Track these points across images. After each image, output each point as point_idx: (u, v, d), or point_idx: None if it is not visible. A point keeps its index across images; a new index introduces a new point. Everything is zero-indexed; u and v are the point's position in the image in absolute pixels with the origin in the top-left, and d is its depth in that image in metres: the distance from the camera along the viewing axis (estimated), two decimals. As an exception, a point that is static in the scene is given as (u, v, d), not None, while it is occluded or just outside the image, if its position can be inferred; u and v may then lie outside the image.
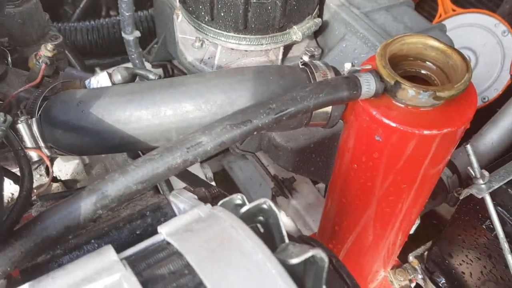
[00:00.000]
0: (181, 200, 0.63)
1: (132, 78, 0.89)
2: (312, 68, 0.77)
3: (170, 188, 1.13)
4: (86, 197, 0.59)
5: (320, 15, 1.22)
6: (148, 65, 1.62)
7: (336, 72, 0.78)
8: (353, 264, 1.07)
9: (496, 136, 1.34)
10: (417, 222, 1.22)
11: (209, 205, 0.56)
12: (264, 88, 0.75)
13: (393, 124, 0.72)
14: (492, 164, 1.02)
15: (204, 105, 0.73)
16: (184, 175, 0.97)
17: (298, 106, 0.67)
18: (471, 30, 1.70)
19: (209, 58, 1.16)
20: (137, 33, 1.48)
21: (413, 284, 1.26)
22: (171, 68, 1.73)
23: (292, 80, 0.77)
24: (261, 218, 0.56)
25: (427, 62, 0.78)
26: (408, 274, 1.24)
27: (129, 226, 0.63)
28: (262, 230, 0.58)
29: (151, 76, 0.88)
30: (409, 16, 1.22)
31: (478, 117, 1.58)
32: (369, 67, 0.73)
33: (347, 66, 0.74)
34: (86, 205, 0.59)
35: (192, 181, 0.94)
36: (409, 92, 0.70)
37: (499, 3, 1.76)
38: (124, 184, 0.60)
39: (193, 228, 0.52)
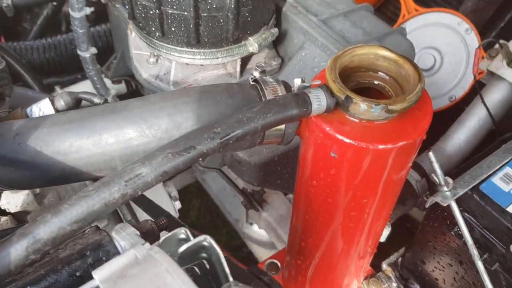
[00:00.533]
0: (123, 237, 0.59)
1: (76, 103, 0.85)
2: (262, 84, 0.74)
3: (132, 212, 1.08)
4: (16, 242, 0.55)
5: (277, 24, 1.19)
6: (107, 81, 1.58)
7: (287, 87, 0.75)
8: (323, 280, 1.04)
9: (463, 137, 1.34)
10: (388, 229, 1.20)
11: (147, 244, 0.52)
12: (211, 109, 0.71)
13: (347, 140, 0.69)
14: (457, 169, 1.00)
15: (148, 130, 0.69)
16: (140, 200, 0.93)
17: (245, 128, 0.64)
18: (435, 29, 1.70)
19: (164, 74, 1.12)
20: (94, 50, 1.43)
21: (387, 293, 1.23)
22: (134, 83, 1.69)
23: (242, 98, 0.73)
24: (204, 254, 0.52)
25: (380, 73, 0.75)
26: (382, 283, 1.21)
27: (68, 268, 0.59)
28: (208, 266, 0.54)
29: (96, 100, 0.84)
30: (368, 21, 1.20)
31: (446, 116, 1.58)
32: (318, 82, 0.70)
33: (297, 82, 0.71)
34: (16, 251, 0.54)
35: (147, 207, 0.90)
36: (361, 106, 0.67)
37: (462, 0, 1.76)
38: (57, 226, 0.55)
39: (127, 274, 0.48)
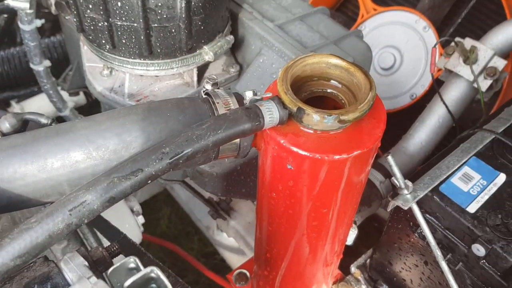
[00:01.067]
0: (71, 268, 0.56)
1: (23, 124, 0.82)
2: (213, 98, 0.72)
3: (92, 231, 1.05)
4: (-45, 282, 0.51)
5: (234, 31, 1.17)
6: (65, 94, 1.53)
7: (239, 99, 0.73)
8: (291, 288, 1.03)
9: (424, 135, 1.35)
10: (355, 232, 1.20)
11: (93, 279, 0.50)
12: (162, 126, 0.69)
13: (302, 152, 0.68)
14: (416, 170, 1.00)
15: (96, 152, 0.66)
16: (96, 221, 0.90)
17: (196, 146, 0.62)
18: (393, 28, 1.71)
19: (119, 86, 1.09)
20: (47, 63, 1.39)
21: (357, 296, 1.23)
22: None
23: (193, 113, 0.71)
24: (153, 285, 0.50)
25: (332, 81, 0.74)
26: (351, 286, 1.21)
27: (15, 304, 0.56)
28: (159, 295, 0.52)
29: (43, 120, 0.80)
30: (325, 24, 1.19)
31: (408, 115, 1.60)
32: (270, 94, 0.69)
33: (248, 95, 0.69)
34: (-44, 292, 0.51)
35: (103, 229, 0.87)
36: (314, 118, 0.66)
37: (420, -2, 1.77)
38: (-1, 262, 0.52)
39: (70, 312, 0.45)
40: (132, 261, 0.51)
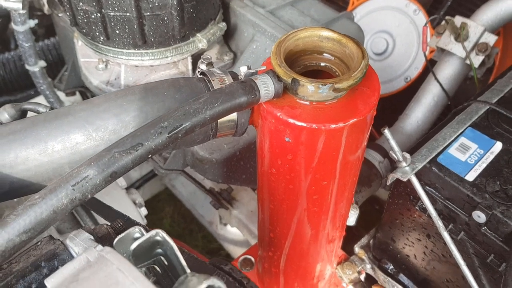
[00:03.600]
0: (77, 243, 0.57)
1: (22, 114, 0.82)
2: (209, 76, 0.73)
3: (94, 220, 1.06)
4: (-36, 257, 0.52)
5: (226, 19, 1.18)
6: (61, 94, 1.54)
7: (234, 77, 0.74)
8: (296, 268, 1.04)
9: (420, 115, 1.36)
10: (357, 212, 1.21)
11: (99, 246, 0.50)
12: (159, 105, 0.70)
13: (299, 123, 0.69)
14: (415, 144, 1.01)
15: (95, 133, 0.67)
16: (98, 207, 0.91)
17: (194, 120, 0.63)
18: (384, 13, 1.72)
19: (115, 79, 1.10)
20: (42, 63, 1.40)
21: (362, 276, 1.24)
22: (90, 93, 1.65)
23: (189, 92, 0.72)
24: (160, 250, 0.51)
25: (325, 54, 0.75)
26: (356, 266, 1.22)
27: (23, 282, 0.57)
28: (165, 261, 0.53)
29: (41, 109, 0.81)
30: (316, 8, 1.20)
31: (404, 97, 1.61)
32: (264, 68, 0.70)
33: (243, 70, 0.70)
34: (-38, 268, 0.52)
35: (107, 214, 0.88)
36: (309, 88, 0.67)
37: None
38: (5, 238, 0.53)
39: (79, 277, 0.46)
40: (137, 230, 0.52)
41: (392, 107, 1.62)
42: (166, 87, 0.71)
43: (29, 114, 0.86)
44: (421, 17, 1.66)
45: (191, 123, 0.62)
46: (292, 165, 0.76)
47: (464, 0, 1.69)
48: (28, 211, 0.54)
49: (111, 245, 0.59)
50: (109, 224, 0.63)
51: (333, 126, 0.69)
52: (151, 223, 2.37)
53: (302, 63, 0.76)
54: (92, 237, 0.57)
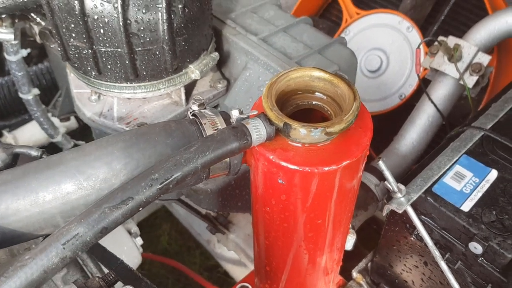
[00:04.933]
0: (68, 302, 0.57)
1: (13, 158, 0.82)
2: (200, 118, 0.73)
3: (91, 257, 1.05)
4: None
5: (219, 47, 1.18)
6: (55, 120, 1.53)
7: (226, 118, 0.74)
8: (293, 300, 1.03)
9: (415, 135, 1.36)
10: (353, 237, 1.20)
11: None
12: (151, 151, 0.69)
13: (292, 166, 0.68)
14: (408, 172, 1.01)
15: (86, 182, 0.67)
16: (92, 249, 0.90)
17: (185, 170, 0.62)
18: (377, 30, 1.73)
19: (108, 110, 1.09)
20: (36, 91, 1.39)
21: (361, 301, 1.24)
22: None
23: (181, 136, 0.71)
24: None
25: (317, 93, 0.75)
26: (354, 292, 1.21)
27: None
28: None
29: (33, 153, 0.81)
30: (308, 34, 1.20)
31: (398, 115, 1.61)
32: (255, 112, 0.69)
33: (235, 114, 0.70)
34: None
35: (101, 257, 0.87)
36: (301, 131, 0.67)
37: (402, -1, 1.79)
38: (-5, 302, 0.53)
39: None
40: (129, 290, 0.52)
41: (387, 124, 1.62)
42: (157, 132, 0.71)
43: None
44: (415, 34, 1.66)
45: (182, 173, 0.62)
46: (286, 205, 0.76)
47: (457, 14, 1.69)
48: (19, 273, 0.54)
49: (103, 300, 0.59)
50: (101, 277, 0.63)
51: (326, 168, 0.68)
52: (149, 241, 2.37)
53: (294, 102, 0.76)
54: (83, 295, 0.57)
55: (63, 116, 1.52)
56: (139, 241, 1.18)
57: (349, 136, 0.71)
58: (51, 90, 1.65)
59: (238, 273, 1.84)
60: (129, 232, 1.17)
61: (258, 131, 0.67)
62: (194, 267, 2.19)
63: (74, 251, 0.56)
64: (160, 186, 0.60)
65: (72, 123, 1.64)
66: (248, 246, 1.47)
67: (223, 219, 1.48)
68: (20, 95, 1.38)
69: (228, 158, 0.74)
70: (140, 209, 0.60)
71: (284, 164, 0.69)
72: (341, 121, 0.67)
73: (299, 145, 0.70)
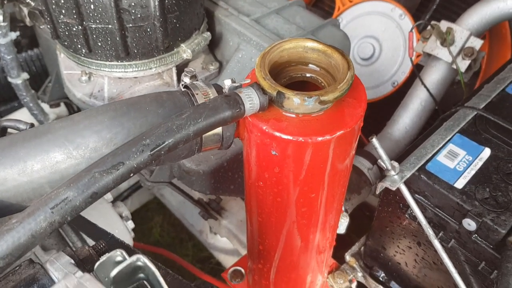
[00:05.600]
0: (57, 267, 0.55)
1: (1, 132, 0.80)
2: (192, 90, 0.72)
3: (80, 237, 1.03)
4: None
5: (211, 28, 1.17)
6: (45, 106, 1.51)
7: (219, 90, 0.73)
8: (286, 280, 1.02)
9: (408, 120, 1.36)
10: (347, 220, 1.20)
11: (79, 273, 0.49)
12: (142, 120, 0.68)
13: (285, 136, 0.68)
14: (401, 153, 1.00)
15: (76, 151, 0.65)
16: (82, 224, 0.89)
17: (177, 137, 0.61)
18: (370, 18, 1.72)
19: (99, 91, 1.08)
20: (25, 75, 1.37)
21: (354, 284, 1.23)
22: (75, 105, 1.63)
23: (172, 106, 0.70)
24: (142, 275, 0.49)
25: (310, 65, 0.74)
26: (347, 275, 1.21)
27: (2, 309, 0.55)
28: (149, 286, 0.51)
29: (21, 126, 0.79)
30: (301, 16, 1.19)
31: (391, 102, 1.60)
32: (249, 81, 0.68)
33: (227, 83, 0.69)
34: None
35: (90, 232, 0.86)
36: (294, 101, 0.66)
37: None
38: (-19, 265, 0.51)
39: (57, 307, 0.44)
40: (119, 254, 0.50)
41: (380, 111, 1.61)
42: (148, 102, 0.70)
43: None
44: (407, 22, 1.66)
45: (174, 139, 0.61)
46: (279, 178, 0.75)
47: (449, 3, 1.70)
48: (5, 237, 0.52)
49: (92, 268, 0.58)
50: (91, 246, 0.61)
51: (320, 138, 0.68)
52: (141, 233, 2.35)
53: (287, 75, 0.75)
54: (72, 261, 0.56)
55: (53, 102, 1.50)
56: (131, 224, 1.17)
57: (343, 107, 0.71)
58: (41, 77, 1.62)
59: (231, 263, 1.83)
60: (120, 216, 1.15)
61: (251, 100, 0.66)
62: (186, 259, 2.17)
63: (63, 216, 0.55)
64: (151, 152, 0.59)
65: (62, 110, 1.62)
66: (240, 232, 1.46)
67: (215, 204, 1.47)
68: (9, 79, 1.36)
69: (221, 130, 0.73)
70: (131, 175, 0.59)
71: (277, 134, 0.68)
72: (335, 89, 0.66)
73: (293, 115, 0.69)
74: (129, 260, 0.46)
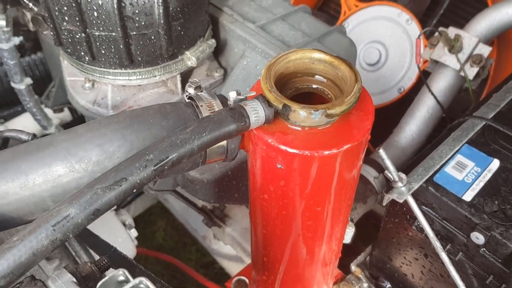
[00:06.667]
0: (58, 285, 0.54)
1: (3, 142, 0.79)
2: (197, 101, 0.70)
3: (84, 248, 1.02)
4: None
5: (215, 35, 1.16)
6: (49, 111, 1.50)
7: (223, 101, 0.71)
8: (291, 292, 1.01)
9: (415, 128, 1.34)
10: (352, 230, 1.18)
11: (79, 295, 0.47)
12: (145, 133, 0.67)
13: (291, 150, 0.66)
14: (410, 162, 0.99)
15: (78, 164, 0.64)
16: (85, 236, 0.88)
17: (180, 151, 0.60)
18: (376, 23, 1.71)
19: (102, 98, 1.07)
20: (28, 81, 1.37)
21: (359, 294, 1.21)
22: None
23: (177, 118, 0.69)
24: (144, 296, 0.48)
25: (317, 76, 0.73)
26: (352, 286, 1.19)
27: (2, 328, 0.54)
28: (151, 307, 0.50)
29: (24, 137, 0.78)
30: (307, 22, 1.18)
31: (398, 108, 1.59)
32: (254, 93, 0.67)
33: (232, 96, 0.68)
34: None
35: (93, 244, 0.85)
36: (301, 114, 0.65)
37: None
38: (-19, 285, 0.50)
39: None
40: (121, 274, 0.49)
41: (386, 118, 1.60)
42: (152, 114, 0.68)
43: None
44: (414, 27, 1.64)
45: (177, 154, 0.59)
46: (284, 191, 0.74)
47: (457, 7, 1.68)
48: (6, 255, 0.51)
49: (96, 284, 0.56)
50: (93, 262, 0.60)
51: (326, 152, 0.66)
52: (144, 237, 2.34)
53: (293, 86, 0.74)
54: (74, 279, 0.54)
55: (56, 107, 1.49)
56: (134, 233, 1.16)
57: (350, 120, 0.69)
58: (44, 81, 1.62)
59: (235, 269, 1.82)
60: (124, 224, 1.14)
61: (256, 113, 0.65)
62: (190, 263, 2.16)
63: (65, 233, 0.53)
64: (154, 168, 0.58)
65: (66, 114, 1.61)
66: (244, 240, 1.45)
67: (219, 212, 1.46)
68: (12, 84, 1.35)
69: (225, 142, 0.72)
70: (134, 191, 0.58)
71: (283, 147, 0.67)
72: (342, 103, 0.64)
73: (299, 128, 0.68)
74: (132, 283, 0.45)
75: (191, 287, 2.05)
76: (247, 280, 1.23)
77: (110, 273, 0.53)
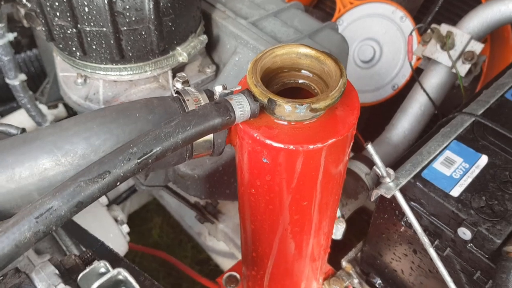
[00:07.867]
0: (41, 277, 0.55)
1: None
2: (183, 95, 0.71)
3: (79, 248, 1.03)
4: None
5: (208, 30, 1.16)
6: (43, 107, 1.51)
7: (210, 95, 0.72)
8: (281, 287, 1.01)
9: (407, 124, 1.35)
10: (343, 226, 1.19)
11: (61, 285, 0.48)
12: (131, 127, 0.67)
13: (276, 144, 0.67)
14: (399, 158, 0.99)
15: (64, 158, 0.65)
16: (72, 230, 0.88)
17: (165, 145, 0.60)
18: (371, 20, 1.71)
19: (94, 94, 1.07)
20: (23, 77, 1.37)
21: (350, 290, 1.22)
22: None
23: (163, 112, 0.70)
24: None
25: (303, 71, 0.73)
26: (343, 282, 1.20)
27: (-15, 319, 0.54)
28: (132, 298, 0.50)
29: (13, 131, 0.78)
30: (299, 19, 1.18)
31: (391, 105, 1.59)
32: (240, 88, 0.68)
33: (218, 90, 0.68)
34: None
35: (81, 238, 0.85)
36: (286, 108, 0.65)
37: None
38: (-36, 275, 0.51)
39: (37, 320, 0.44)
40: (103, 266, 0.50)
41: (380, 115, 1.60)
42: (138, 108, 0.69)
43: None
44: (408, 24, 1.64)
45: (162, 148, 0.60)
46: (271, 185, 0.74)
47: (451, 5, 1.68)
48: (-12, 246, 0.52)
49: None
50: (77, 255, 0.61)
51: (311, 146, 0.67)
52: (140, 233, 2.35)
53: (280, 81, 0.74)
54: (57, 271, 0.55)
55: (51, 103, 1.50)
56: (126, 228, 1.16)
57: (335, 115, 0.70)
58: (39, 78, 1.62)
59: (229, 265, 1.82)
60: (116, 220, 1.15)
61: (241, 107, 0.65)
62: (185, 260, 2.16)
63: (48, 226, 0.54)
64: (138, 161, 0.58)
65: (60, 111, 1.62)
66: (237, 236, 1.45)
67: (212, 208, 1.47)
68: (7, 80, 1.35)
69: (212, 137, 0.72)
70: (118, 183, 0.58)
71: (268, 142, 0.67)
72: (326, 97, 0.65)
73: (285, 122, 0.68)
74: (110, 273, 0.46)
75: (187, 284, 2.06)
76: (238, 276, 1.23)
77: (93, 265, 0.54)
